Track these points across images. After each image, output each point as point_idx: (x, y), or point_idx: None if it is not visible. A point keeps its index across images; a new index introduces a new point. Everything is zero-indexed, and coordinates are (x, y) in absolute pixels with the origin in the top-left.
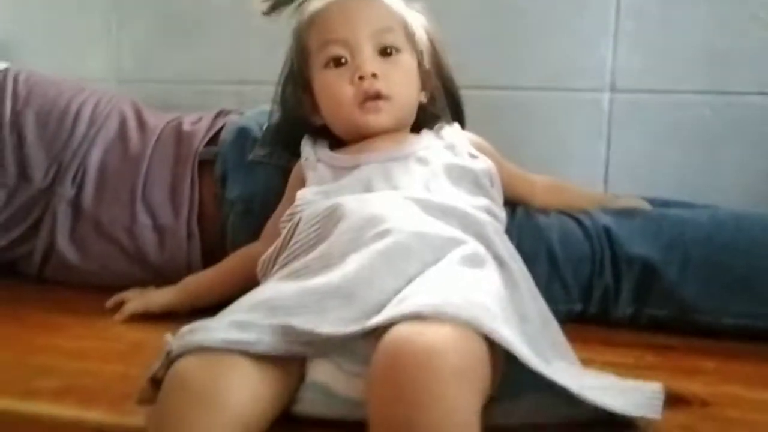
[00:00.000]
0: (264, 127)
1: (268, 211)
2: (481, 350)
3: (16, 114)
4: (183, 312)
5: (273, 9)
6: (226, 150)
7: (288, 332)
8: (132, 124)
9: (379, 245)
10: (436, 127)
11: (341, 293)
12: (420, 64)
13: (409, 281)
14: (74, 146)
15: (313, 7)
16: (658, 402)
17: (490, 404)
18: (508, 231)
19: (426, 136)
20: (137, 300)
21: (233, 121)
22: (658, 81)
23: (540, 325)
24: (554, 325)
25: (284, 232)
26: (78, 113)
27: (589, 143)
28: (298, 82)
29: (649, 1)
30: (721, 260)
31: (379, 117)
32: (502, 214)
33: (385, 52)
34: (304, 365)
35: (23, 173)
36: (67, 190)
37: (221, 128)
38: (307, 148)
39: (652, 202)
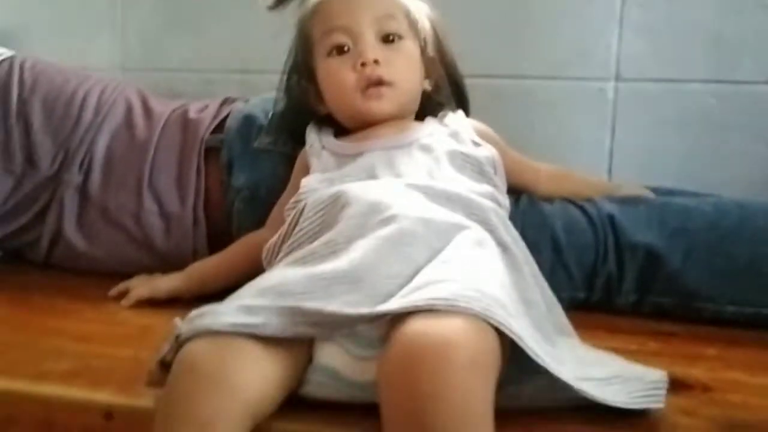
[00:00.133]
0: (269, 115)
1: (273, 198)
2: (493, 341)
3: (23, 101)
4: (189, 298)
5: (279, 3)
6: (232, 137)
7: (295, 313)
8: (138, 111)
9: (385, 231)
10: (440, 114)
11: (348, 278)
12: (423, 52)
13: (416, 266)
14: (81, 133)
15: None
16: (662, 391)
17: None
18: (512, 218)
19: (429, 123)
20: (143, 286)
21: (239, 108)
22: (663, 70)
23: (545, 308)
24: (558, 309)
25: (289, 219)
26: (84, 100)
27: (593, 132)
28: (302, 71)
29: None
30: (724, 248)
31: (382, 103)
32: (506, 201)
33: (387, 38)
34: (312, 348)
35: (30, 160)
36: (74, 177)
37: (227, 116)
38: (312, 135)
39: (656, 191)
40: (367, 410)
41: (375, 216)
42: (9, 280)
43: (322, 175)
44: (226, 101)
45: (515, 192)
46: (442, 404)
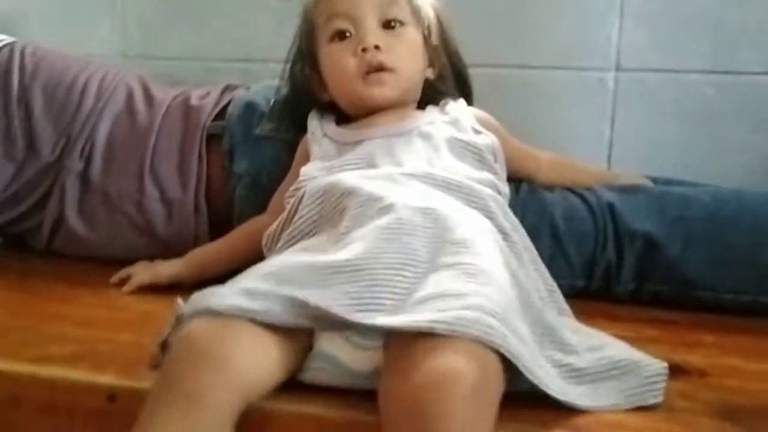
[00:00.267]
0: (271, 102)
1: (274, 184)
2: (494, 361)
3: (24, 88)
4: (189, 284)
5: None
6: (234, 124)
7: (296, 304)
8: (139, 97)
9: (384, 220)
10: (441, 102)
11: (348, 268)
12: (427, 40)
13: (416, 256)
14: (82, 119)
15: None
16: (661, 384)
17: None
18: (512, 206)
19: (430, 111)
20: (145, 272)
21: (240, 95)
22: (663, 60)
23: (546, 294)
24: (559, 294)
25: (288, 207)
26: (85, 86)
27: (593, 122)
28: (306, 58)
29: None
30: (723, 237)
31: (383, 89)
32: (506, 188)
33: (389, 25)
34: (313, 335)
35: (31, 146)
36: (76, 163)
37: (228, 103)
38: (313, 122)
39: (655, 181)
40: (367, 393)
41: (374, 205)
42: (10, 267)
43: (321, 163)
44: (227, 88)
45: (515, 180)
46: None
